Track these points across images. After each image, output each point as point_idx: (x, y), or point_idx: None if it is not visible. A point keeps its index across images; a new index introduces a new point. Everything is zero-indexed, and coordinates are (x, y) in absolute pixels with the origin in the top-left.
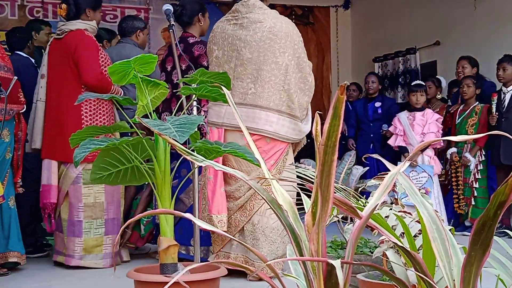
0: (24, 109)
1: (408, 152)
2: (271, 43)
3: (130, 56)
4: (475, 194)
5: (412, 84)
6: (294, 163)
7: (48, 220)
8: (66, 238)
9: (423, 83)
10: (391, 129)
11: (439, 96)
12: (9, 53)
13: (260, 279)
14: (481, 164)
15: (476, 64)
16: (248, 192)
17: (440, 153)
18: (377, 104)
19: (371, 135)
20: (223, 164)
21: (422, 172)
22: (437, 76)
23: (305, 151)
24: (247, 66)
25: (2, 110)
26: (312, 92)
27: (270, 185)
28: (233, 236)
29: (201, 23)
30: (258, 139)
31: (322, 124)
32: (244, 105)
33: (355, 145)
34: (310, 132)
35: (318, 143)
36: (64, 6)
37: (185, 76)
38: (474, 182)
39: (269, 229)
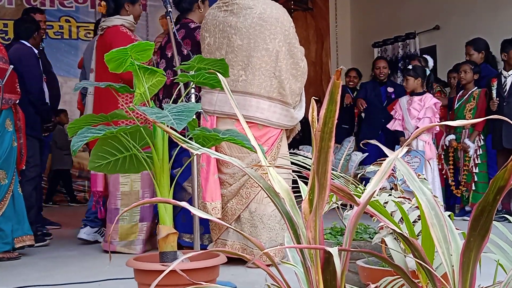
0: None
1: (404, 136)
2: (261, 29)
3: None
4: (475, 179)
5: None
6: (289, 150)
7: (98, 207)
8: (107, 225)
9: (409, 67)
10: (392, 112)
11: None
12: (9, 42)
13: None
14: (480, 149)
15: (482, 47)
16: (242, 178)
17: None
18: (390, 89)
19: (383, 120)
20: (215, 151)
21: (415, 157)
22: (423, 55)
23: (305, 138)
24: (237, 53)
25: None
26: (305, 77)
27: (266, 172)
28: (229, 224)
29: (201, 10)
30: (250, 126)
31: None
32: (235, 92)
33: (364, 105)
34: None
35: (314, 130)
36: (103, 3)
37: (182, 63)
38: (474, 167)
39: (267, 216)
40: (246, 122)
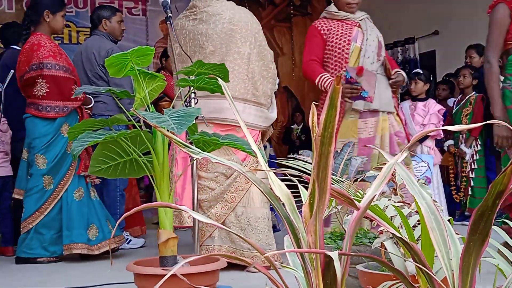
0: (92, 104)
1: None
2: (232, 34)
3: (93, 47)
4: (472, 184)
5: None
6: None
7: None
8: None
9: (420, 71)
10: None
11: None
12: (2, 47)
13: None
14: (477, 154)
15: (482, 52)
16: (226, 182)
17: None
18: None
19: None
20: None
21: (421, 161)
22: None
23: (305, 143)
24: (210, 59)
25: None
26: (275, 79)
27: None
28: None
29: None
30: (228, 129)
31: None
32: (211, 97)
33: None
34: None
35: (314, 134)
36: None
37: (185, 66)
38: (470, 172)
39: (255, 219)
40: (224, 125)
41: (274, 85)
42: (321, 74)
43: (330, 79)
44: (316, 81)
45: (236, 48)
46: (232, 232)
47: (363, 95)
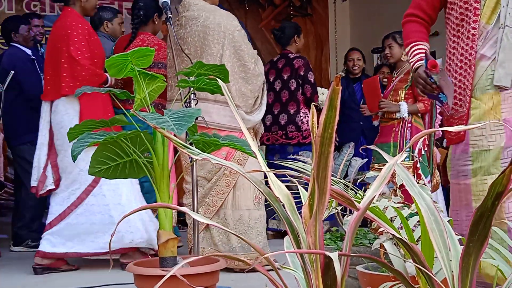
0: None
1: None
2: (205, 36)
3: None
4: None
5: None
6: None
7: None
8: None
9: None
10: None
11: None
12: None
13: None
14: None
15: None
16: (207, 185)
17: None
18: None
19: (361, 123)
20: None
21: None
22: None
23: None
24: (188, 62)
25: None
26: (257, 80)
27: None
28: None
29: (297, 43)
30: (206, 131)
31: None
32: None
33: (337, 139)
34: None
35: (314, 135)
36: None
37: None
38: None
39: (234, 221)
40: (199, 126)
41: (256, 85)
42: (413, 44)
43: (419, 54)
44: (407, 50)
45: (208, 50)
46: (228, 231)
47: (440, 98)
